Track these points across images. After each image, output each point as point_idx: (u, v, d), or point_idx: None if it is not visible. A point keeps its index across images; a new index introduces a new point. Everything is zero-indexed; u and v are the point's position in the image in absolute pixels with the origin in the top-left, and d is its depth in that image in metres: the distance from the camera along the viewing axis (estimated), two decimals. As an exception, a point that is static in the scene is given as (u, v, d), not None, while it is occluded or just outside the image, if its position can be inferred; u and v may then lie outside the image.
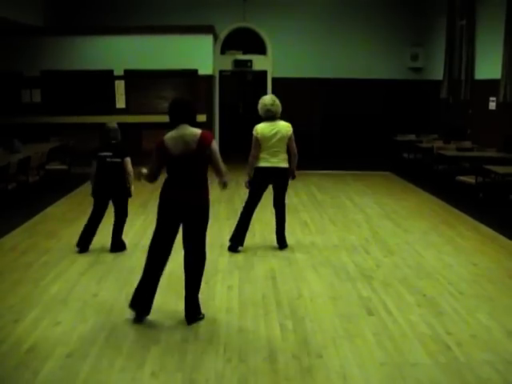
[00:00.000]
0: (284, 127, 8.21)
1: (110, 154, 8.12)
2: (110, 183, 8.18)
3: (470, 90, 14.76)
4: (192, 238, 5.91)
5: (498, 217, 10.18)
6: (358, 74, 18.30)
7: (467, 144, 14.06)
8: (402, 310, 6.22)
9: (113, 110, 16.27)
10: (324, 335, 5.61)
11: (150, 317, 5.99)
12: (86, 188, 12.79)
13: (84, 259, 7.94)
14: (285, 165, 8.30)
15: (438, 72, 16.64)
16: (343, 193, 12.64)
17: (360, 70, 18.30)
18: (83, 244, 8.31)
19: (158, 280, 6.00)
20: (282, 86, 17.64)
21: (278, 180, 8.33)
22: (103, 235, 8.77)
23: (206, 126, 16.05)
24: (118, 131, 8.27)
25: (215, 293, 6.75)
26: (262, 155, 8.21)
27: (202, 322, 5.89)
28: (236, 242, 8.42)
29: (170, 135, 5.76)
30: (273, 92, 17.66)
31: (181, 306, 6.23)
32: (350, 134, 18.39)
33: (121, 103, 16.59)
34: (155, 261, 5.93)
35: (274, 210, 8.56)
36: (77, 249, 8.28)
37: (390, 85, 18.49)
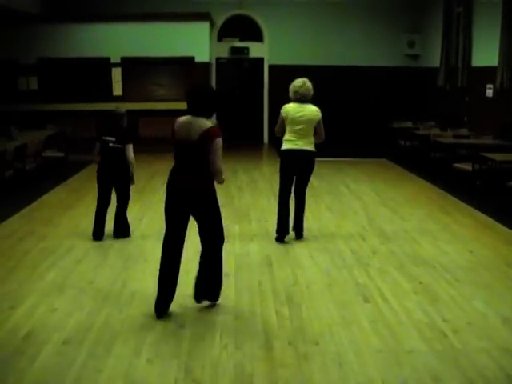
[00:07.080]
0: (312, 111, 8.00)
1: (113, 139, 8.05)
2: (111, 169, 8.13)
3: (467, 77, 14.75)
4: (204, 227, 5.77)
5: (495, 204, 10.17)
6: (354, 60, 18.25)
7: (464, 131, 14.05)
8: (399, 297, 6.23)
9: (109, 98, 16.19)
10: (320, 322, 5.62)
11: (146, 303, 5.99)
12: (83, 175, 12.82)
13: (80, 246, 7.92)
14: (310, 148, 8.08)
15: (434, 59, 16.60)
16: (339, 180, 12.63)
17: (357, 57, 18.24)
18: (96, 233, 8.23)
19: (175, 277, 5.82)
20: (279, 73, 17.55)
21: (302, 164, 8.13)
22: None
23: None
24: (124, 116, 8.20)
25: (212, 280, 6.75)
26: (287, 137, 8.07)
27: (196, 309, 5.89)
28: (280, 233, 8.24)
29: (182, 119, 5.63)
30: (269, 79, 17.74)
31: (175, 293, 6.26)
32: (346, 121, 18.31)
33: (117, 90, 16.54)
34: (167, 256, 5.74)
35: (293, 197, 8.39)
36: (91, 238, 8.20)
37: (386, 72, 18.44)
